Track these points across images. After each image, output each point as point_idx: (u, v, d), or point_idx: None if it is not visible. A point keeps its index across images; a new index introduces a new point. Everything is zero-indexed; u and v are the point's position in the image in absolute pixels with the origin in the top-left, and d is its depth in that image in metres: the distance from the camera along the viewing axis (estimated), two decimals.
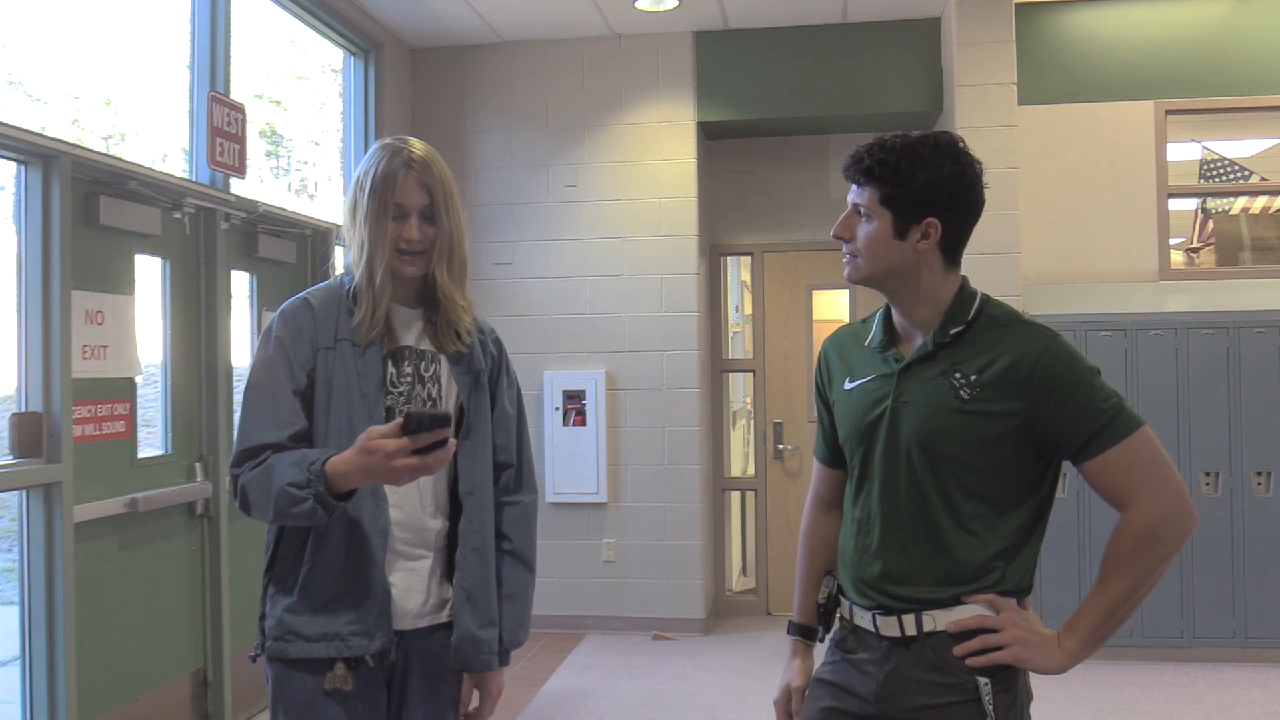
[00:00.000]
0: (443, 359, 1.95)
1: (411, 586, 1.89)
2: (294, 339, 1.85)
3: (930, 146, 1.67)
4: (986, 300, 1.74)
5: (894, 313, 1.79)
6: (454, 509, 1.96)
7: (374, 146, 1.92)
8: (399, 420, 1.64)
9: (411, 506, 1.90)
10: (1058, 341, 1.65)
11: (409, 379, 1.91)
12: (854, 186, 1.73)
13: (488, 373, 2.00)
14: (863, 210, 1.71)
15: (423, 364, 1.93)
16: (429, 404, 1.90)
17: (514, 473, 2.05)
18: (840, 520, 1.89)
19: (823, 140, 6.07)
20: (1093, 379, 1.63)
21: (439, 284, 1.92)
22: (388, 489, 1.86)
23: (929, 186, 1.66)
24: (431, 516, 1.93)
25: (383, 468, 1.65)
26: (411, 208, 1.86)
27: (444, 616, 1.93)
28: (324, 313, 1.88)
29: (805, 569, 1.97)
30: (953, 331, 1.70)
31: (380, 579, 1.84)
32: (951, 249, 1.72)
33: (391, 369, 1.89)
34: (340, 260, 5.14)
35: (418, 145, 1.91)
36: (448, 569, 1.95)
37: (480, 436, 1.97)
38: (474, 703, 1.98)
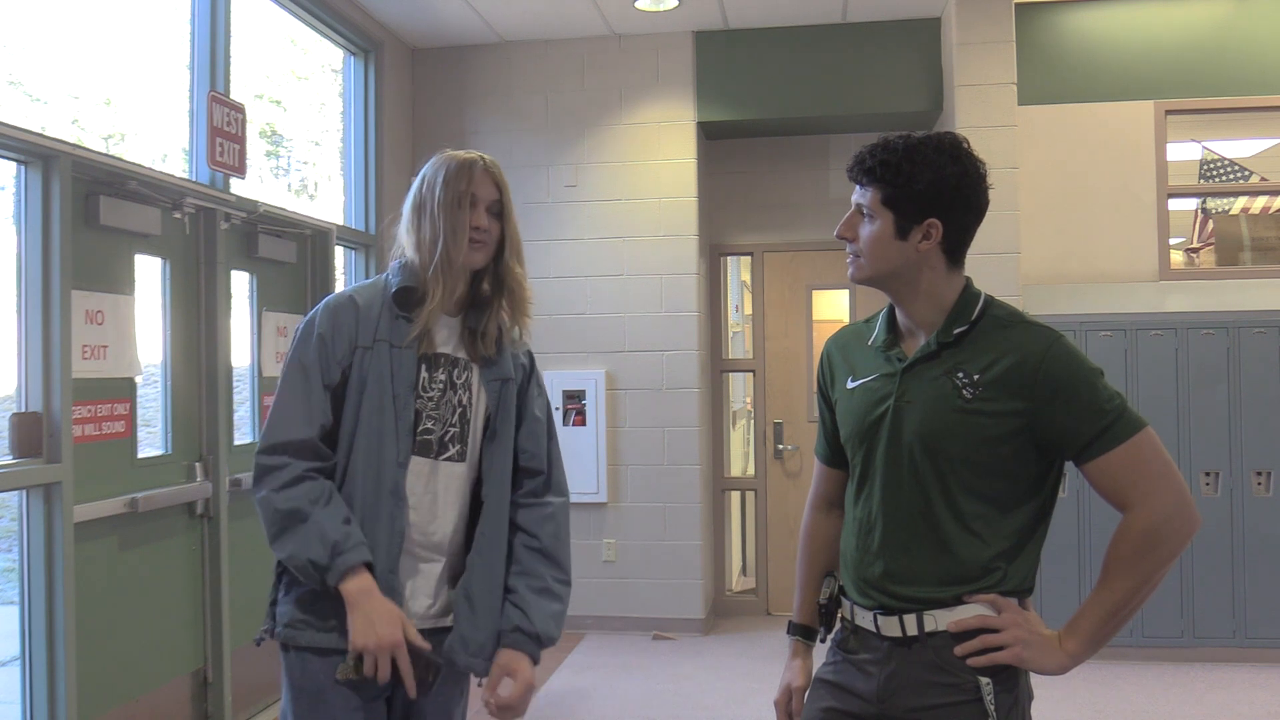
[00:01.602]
0: (475, 367, 1.98)
1: (420, 589, 1.92)
2: (334, 334, 1.89)
3: (932, 148, 1.67)
4: (990, 301, 1.75)
5: (897, 312, 1.79)
6: (474, 513, 1.99)
7: (436, 156, 2.01)
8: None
9: (429, 509, 1.93)
10: (1061, 343, 1.65)
11: (441, 385, 1.94)
12: (857, 187, 1.73)
13: (517, 383, 2.03)
14: (865, 210, 1.71)
15: (455, 371, 1.96)
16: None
17: (543, 479, 2.06)
18: (841, 520, 1.89)
19: (823, 140, 6.07)
20: (1096, 380, 1.63)
21: (512, 275, 1.99)
22: (408, 491, 1.89)
23: (930, 187, 1.66)
24: (450, 521, 1.95)
25: (377, 638, 1.76)
26: (482, 199, 1.95)
27: (448, 621, 1.95)
28: (367, 311, 1.92)
29: (806, 569, 1.97)
30: (956, 331, 1.70)
31: (392, 579, 1.87)
32: (954, 249, 1.72)
33: (425, 373, 1.92)
34: (340, 261, 5.14)
35: (480, 153, 2.02)
36: (457, 573, 1.97)
37: (503, 442, 1.99)
38: (504, 689, 1.94)
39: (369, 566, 1.82)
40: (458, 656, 1.93)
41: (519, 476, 2.03)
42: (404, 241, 1.97)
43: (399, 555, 1.88)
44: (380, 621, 1.78)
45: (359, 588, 1.79)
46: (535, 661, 1.96)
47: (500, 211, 1.98)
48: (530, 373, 2.08)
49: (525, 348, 2.10)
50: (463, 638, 1.93)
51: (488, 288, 2.01)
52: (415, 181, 1.99)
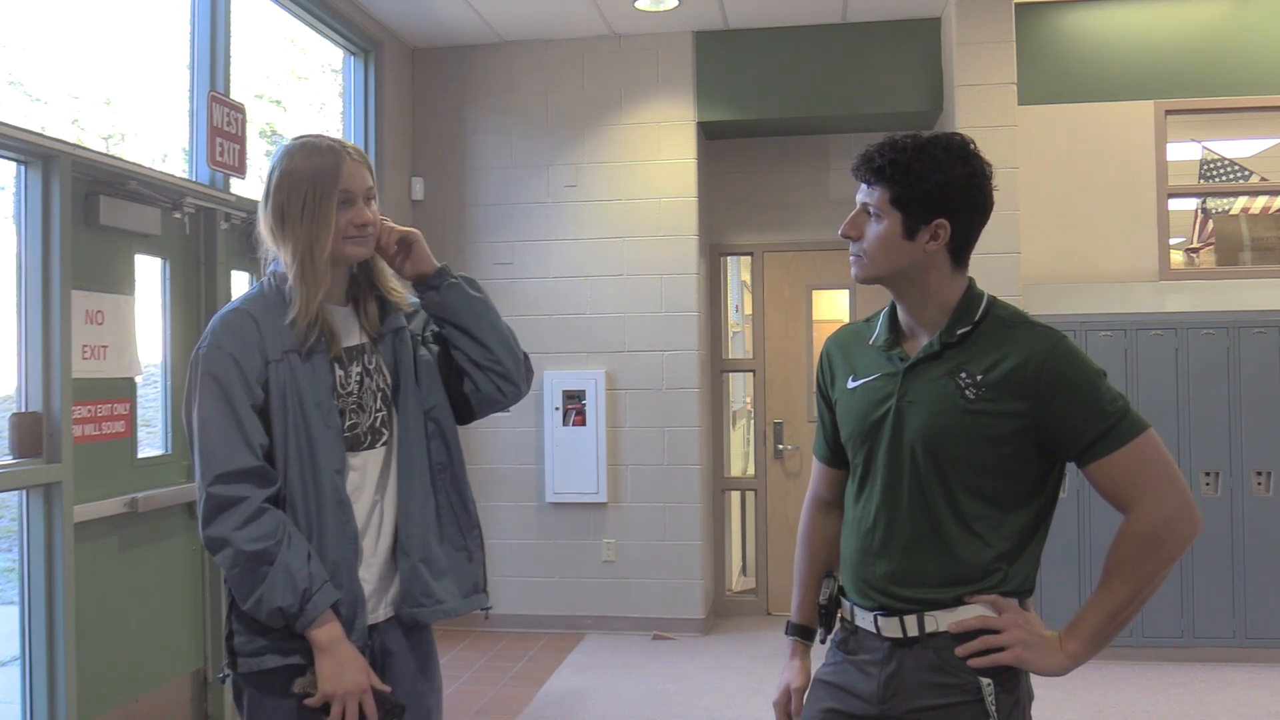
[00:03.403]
0: (378, 344, 1.96)
1: (379, 582, 1.91)
2: (245, 353, 1.81)
3: (942, 148, 1.66)
4: (994, 301, 1.74)
5: (899, 312, 1.79)
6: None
7: (284, 147, 1.91)
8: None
9: (369, 502, 1.91)
10: (1064, 343, 1.65)
11: (358, 376, 1.91)
12: (863, 186, 1.72)
13: (410, 327, 2.00)
14: (872, 210, 1.70)
15: (366, 357, 1.93)
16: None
17: None
18: (839, 520, 1.89)
19: (823, 140, 6.07)
20: (1099, 381, 1.63)
21: (380, 264, 1.95)
22: (350, 493, 1.86)
23: (939, 188, 1.65)
24: (391, 502, 1.93)
25: (346, 686, 1.76)
26: (359, 192, 1.86)
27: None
28: (267, 324, 1.84)
29: (804, 569, 1.97)
30: (959, 332, 1.70)
31: (353, 584, 1.84)
32: (960, 250, 1.72)
33: (339, 372, 1.88)
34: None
35: (334, 137, 1.92)
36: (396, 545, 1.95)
37: (407, 390, 1.95)
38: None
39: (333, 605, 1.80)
40: (422, 613, 1.91)
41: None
42: (272, 246, 1.89)
43: (357, 563, 1.85)
44: (349, 668, 1.77)
45: (329, 636, 1.77)
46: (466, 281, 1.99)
47: (373, 197, 1.92)
48: (421, 315, 2.04)
49: (408, 297, 2.04)
50: (429, 593, 1.91)
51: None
52: (270, 179, 1.87)
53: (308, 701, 1.78)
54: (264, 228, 1.89)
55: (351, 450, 1.88)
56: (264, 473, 1.79)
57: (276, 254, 1.88)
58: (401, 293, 2.00)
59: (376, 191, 1.93)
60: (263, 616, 1.77)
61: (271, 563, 1.74)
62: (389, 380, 1.95)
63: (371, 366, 1.93)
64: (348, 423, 1.88)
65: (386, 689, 1.83)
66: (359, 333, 1.94)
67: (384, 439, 1.93)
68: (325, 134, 1.93)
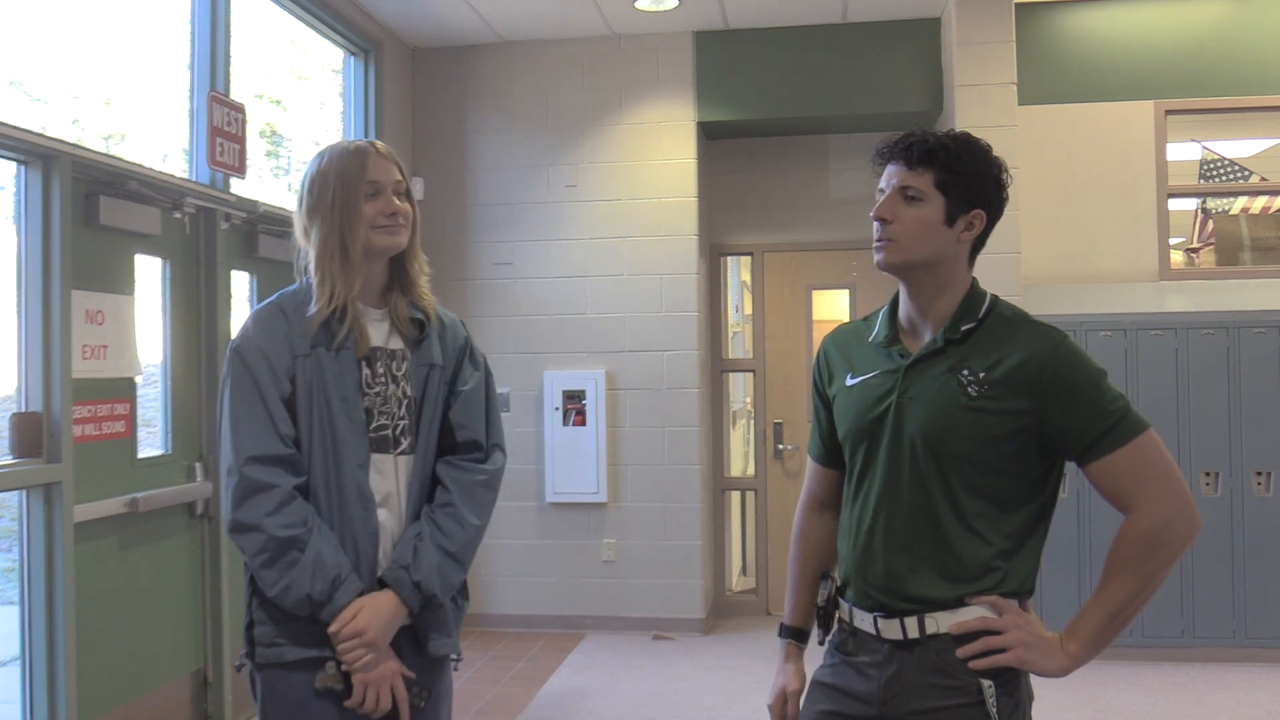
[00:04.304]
0: (409, 355, 1.96)
1: None
2: (274, 346, 1.86)
3: (979, 144, 1.70)
4: (996, 300, 1.75)
5: (904, 307, 1.78)
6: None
7: (316, 154, 1.96)
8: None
9: (395, 506, 1.92)
10: (1067, 343, 1.65)
11: (383, 380, 1.92)
12: (899, 169, 1.69)
13: (448, 367, 2.00)
14: (912, 193, 1.68)
15: (394, 364, 1.94)
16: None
17: (483, 453, 2.02)
18: (834, 521, 1.88)
19: (823, 140, 6.07)
20: (1100, 381, 1.63)
21: (409, 255, 1.97)
22: (374, 489, 1.87)
23: (980, 180, 1.68)
24: (409, 519, 1.94)
25: (379, 671, 1.80)
26: (386, 183, 1.91)
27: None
28: (297, 319, 1.88)
29: (798, 571, 1.95)
30: (964, 328, 1.70)
31: (372, 577, 1.85)
32: (979, 246, 1.74)
33: (366, 371, 1.90)
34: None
35: (363, 139, 1.98)
36: None
37: (428, 427, 1.96)
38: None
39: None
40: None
41: (460, 449, 1.99)
42: (304, 246, 1.95)
43: (376, 559, 1.87)
44: (380, 654, 1.80)
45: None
46: (408, 606, 1.86)
47: (405, 191, 1.95)
48: (466, 348, 2.04)
49: (454, 324, 2.06)
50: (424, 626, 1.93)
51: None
52: (303, 185, 1.94)
53: (349, 702, 1.80)
54: (298, 229, 1.96)
55: (380, 451, 1.89)
56: (294, 461, 1.82)
57: (307, 254, 1.93)
58: (431, 299, 2.02)
59: (409, 188, 1.97)
60: (288, 604, 1.77)
61: (302, 550, 1.77)
62: (415, 395, 1.95)
63: (399, 374, 1.94)
64: (375, 423, 1.89)
65: (412, 674, 1.86)
66: (391, 337, 1.95)
67: (402, 448, 1.93)
68: (354, 139, 1.97)
